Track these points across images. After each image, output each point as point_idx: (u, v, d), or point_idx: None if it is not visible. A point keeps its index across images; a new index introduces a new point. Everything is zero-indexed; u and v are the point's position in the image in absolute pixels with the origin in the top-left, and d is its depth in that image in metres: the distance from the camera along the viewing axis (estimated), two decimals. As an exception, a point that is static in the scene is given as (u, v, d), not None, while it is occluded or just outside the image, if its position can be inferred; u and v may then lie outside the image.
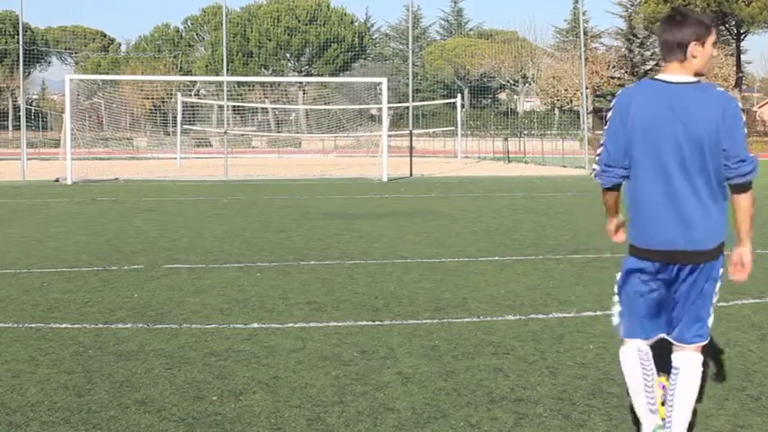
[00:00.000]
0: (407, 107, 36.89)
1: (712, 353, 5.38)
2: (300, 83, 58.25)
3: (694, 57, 3.65)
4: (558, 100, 67.40)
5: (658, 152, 3.62)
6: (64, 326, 6.36)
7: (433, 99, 67.51)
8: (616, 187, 3.81)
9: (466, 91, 74.20)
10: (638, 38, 72.58)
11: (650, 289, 3.76)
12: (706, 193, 3.62)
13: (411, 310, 6.87)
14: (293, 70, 77.34)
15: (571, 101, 64.78)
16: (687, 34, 3.64)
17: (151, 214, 14.87)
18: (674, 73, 3.68)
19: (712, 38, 3.68)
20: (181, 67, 72.84)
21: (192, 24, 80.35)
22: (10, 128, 65.64)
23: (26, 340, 5.93)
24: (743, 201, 3.66)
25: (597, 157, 3.80)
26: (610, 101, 68.71)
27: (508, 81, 75.14)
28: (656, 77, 3.70)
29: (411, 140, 30.82)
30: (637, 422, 4.16)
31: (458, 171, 31.05)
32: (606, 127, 3.75)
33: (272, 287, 7.87)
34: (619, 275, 3.88)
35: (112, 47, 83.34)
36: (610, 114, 3.72)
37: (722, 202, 3.69)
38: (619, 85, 70.18)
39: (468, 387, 4.85)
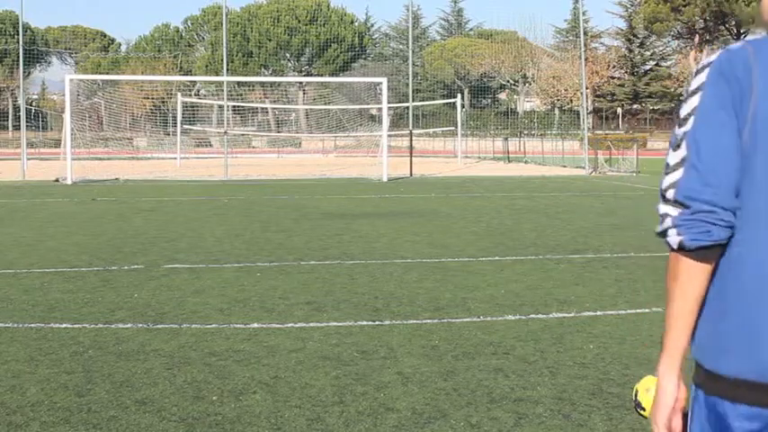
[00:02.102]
0: (407, 107, 36.88)
1: None
2: (300, 83, 58.25)
3: None
4: (558, 100, 67.41)
5: None
6: (64, 326, 6.36)
7: (433, 99, 67.50)
8: (712, 250, 1.77)
9: (466, 91, 74.19)
10: (638, 38, 72.57)
11: None
12: None
13: (411, 310, 6.87)
14: (293, 70, 77.32)
15: (571, 101, 64.76)
16: None
17: (151, 214, 14.87)
18: None
19: None
20: (181, 67, 72.81)
21: (191, 24, 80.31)
22: (10, 128, 65.61)
23: (26, 340, 5.93)
24: None
25: (667, 184, 1.80)
26: (611, 101, 68.29)
27: (508, 81, 75.12)
28: None
29: (411, 140, 30.81)
30: (636, 422, 4.17)
31: (458, 171, 31.05)
32: (693, 114, 1.78)
33: (272, 287, 7.87)
34: None
35: (112, 47, 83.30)
36: (698, 91, 1.78)
37: None
38: (619, 86, 70.25)
39: (468, 387, 4.85)
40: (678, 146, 1.80)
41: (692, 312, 1.80)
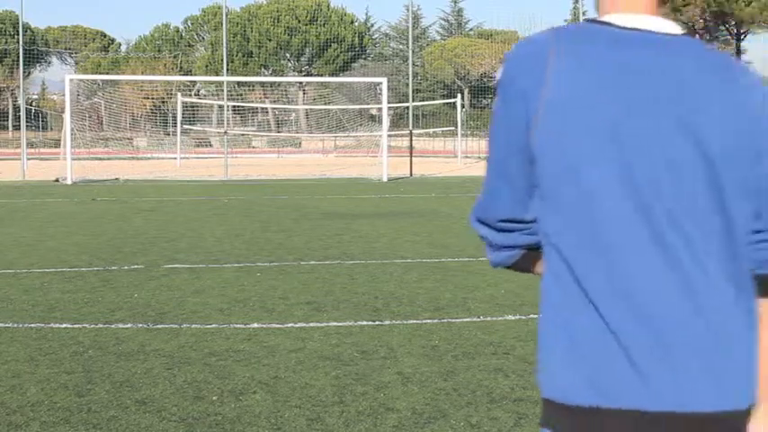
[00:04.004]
0: (407, 107, 36.89)
1: None
2: (300, 83, 58.25)
3: None
4: (558, 100, 67.34)
5: (604, 187, 1.48)
6: (64, 326, 6.36)
7: (433, 99, 67.52)
8: (517, 265, 1.68)
9: (466, 91, 74.18)
10: (638, 38, 72.55)
11: None
12: (723, 284, 1.49)
13: (411, 310, 6.87)
14: (293, 70, 77.31)
15: (571, 101, 64.67)
16: None
17: (151, 214, 14.87)
18: (642, 11, 1.55)
19: None
20: (181, 67, 72.80)
21: (191, 24, 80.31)
22: (10, 128, 65.57)
23: (26, 340, 5.93)
24: None
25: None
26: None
27: (508, 81, 75.05)
28: (603, 20, 1.56)
29: (411, 140, 30.80)
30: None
31: (458, 171, 31.04)
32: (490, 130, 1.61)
33: (272, 287, 7.87)
34: None
35: (112, 47, 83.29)
36: (496, 91, 1.58)
37: (751, 307, 1.53)
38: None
39: (468, 387, 4.85)
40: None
41: None
